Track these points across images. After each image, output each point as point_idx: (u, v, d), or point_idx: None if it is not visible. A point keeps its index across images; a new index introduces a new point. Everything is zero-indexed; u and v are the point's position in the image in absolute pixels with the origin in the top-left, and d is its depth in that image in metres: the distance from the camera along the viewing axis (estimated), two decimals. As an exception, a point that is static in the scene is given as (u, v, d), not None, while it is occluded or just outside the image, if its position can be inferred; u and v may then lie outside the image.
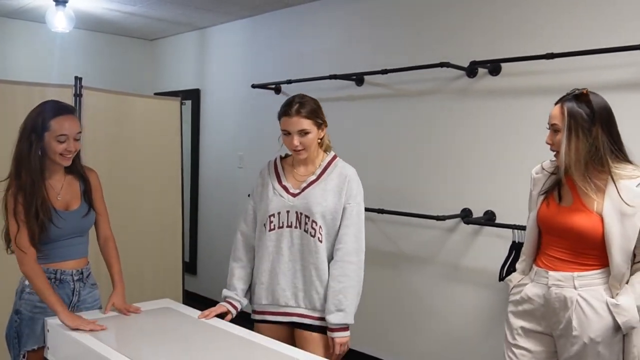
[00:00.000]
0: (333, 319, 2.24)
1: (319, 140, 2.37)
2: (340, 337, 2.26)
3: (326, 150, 2.43)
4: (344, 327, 2.26)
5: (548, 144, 2.11)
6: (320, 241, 2.28)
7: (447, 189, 3.45)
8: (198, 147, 5.40)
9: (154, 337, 2.20)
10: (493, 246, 3.22)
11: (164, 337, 2.20)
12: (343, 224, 2.29)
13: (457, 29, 3.41)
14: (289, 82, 4.23)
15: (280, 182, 2.38)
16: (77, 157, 2.38)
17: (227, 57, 5.10)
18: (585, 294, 2.00)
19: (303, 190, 2.32)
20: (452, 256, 3.44)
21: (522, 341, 2.16)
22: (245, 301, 2.42)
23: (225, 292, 2.42)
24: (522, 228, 2.95)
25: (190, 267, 5.37)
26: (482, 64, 3.21)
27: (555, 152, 2.08)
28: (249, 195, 2.59)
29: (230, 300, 2.40)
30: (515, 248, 2.97)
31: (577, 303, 2.00)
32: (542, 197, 2.19)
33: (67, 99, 3.55)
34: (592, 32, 2.86)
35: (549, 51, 2.87)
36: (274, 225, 2.33)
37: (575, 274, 2.03)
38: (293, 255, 2.32)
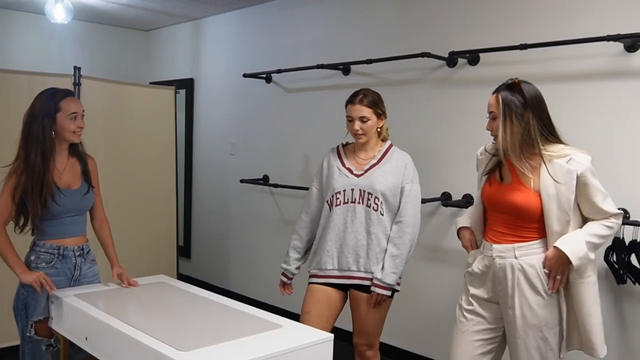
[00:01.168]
0: (386, 278, 2.60)
1: (378, 129, 2.73)
2: (382, 293, 2.61)
3: (383, 140, 2.78)
4: (389, 287, 2.62)
5: (488, 130, 2.30)
6: (382, 214, 2.65)
7: (428, 173, 3.62)
8: (192, 135, 5.56)
9: (150, 307, 2.39)
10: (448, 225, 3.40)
11: (160, 307, 2.39)
12: (403, 200, 2.66)
13: (438, 20, 3.58)
14: (279, 71, 4.40)
15: (344, 164, 2.74)
16: (80, 142, 2.57)
17: (220, 47, 5.26)
18: (523, 263, 2.21)
19: (366, 171, 2.69)
20: (433, 238, 3.63)
21: (474, 307, 2.37)
22: (297, 271, 2.88)
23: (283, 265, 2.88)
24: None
25: (184, 250, 5.55)
26: (461, 54, 3.39)
27: (494, 137, 2.27)
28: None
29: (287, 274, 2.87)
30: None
31: (518, 271, 2.21)
32: (485, 177, 2.40)
33: (67, 87, 3.71)
34: (563, 23, 3.03)
35: (523, 42, 3.04)
36: (340, 201, 2.69)
37: (516, 245, 2.23)
38: (356, 226, 2.66)
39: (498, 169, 2.35)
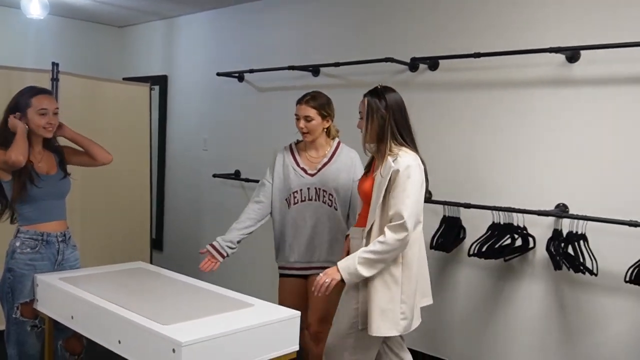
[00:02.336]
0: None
1: (325, 129, 2.96)
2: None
3: (333, 138, 3.02)
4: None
5: (358, 128, 2.60)
6: (336, 209, 2.93)
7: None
8: (165, 130, 5.71)
9: (131, 288, 2.58)
10: (429, 220, 3.66)
11: (140, 287, 2.59)
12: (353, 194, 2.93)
13: (401, 27, 3.84)
14: (252, 71, 4.60)
15: (298, 164, 2.97)
16: (53, 137, 2.74)
17: (194, 45, 5.43)
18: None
19: (319, 170, 2.94)
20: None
21: None
22: (231, 251, 2.97)
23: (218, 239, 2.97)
24: (451, 204, 3.42)
25: (156, 243, 5.70)
26: (422, 60, 3.65)
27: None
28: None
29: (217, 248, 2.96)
30: (445, 221, 3.43)
31: None
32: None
33: (45, 83, 3.84)
34: (513, 34, 3.31)
35: (478, 50, 3.32)
36: (297, 199, 2.93)
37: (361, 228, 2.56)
38: (313, 222, 2.91)
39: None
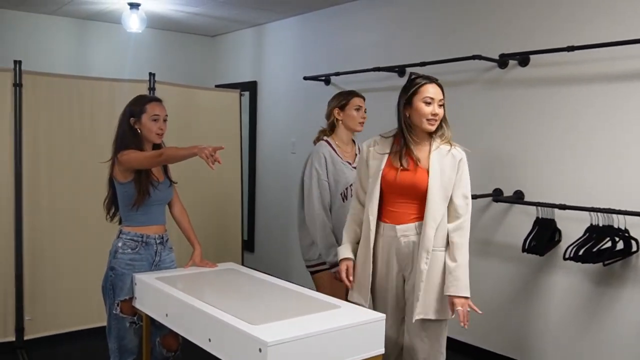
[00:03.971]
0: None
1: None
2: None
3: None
4: None
5: (433, 115, 2.47)
6: None
7: (480, 171, 3.77)
8: (255, 135, 5.87)
9: (223, 289, 2.67)
10: (521, 222, 3.53)
11: (231, 288, 2.67)
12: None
13: (488, 23, 3.72)
14: (337, 74, 4.63)
15: (341, 158, 3.11)
16: (162, 144, 2.90)
17: (281, 51, 5.55)
18: None
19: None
20: (484, 234, 3.77)
21: None
22: None
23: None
24: (545, 205, 3.27)
25: (248, 244, 5.86)
26: (512, 56, 3.52)
27: (433, 121, 2.49)
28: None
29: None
30: (538, 223, 3.29)
31: None
32: (386, 162, 2.62)
33: (144, 92, 4.07)
34: (612, 25, 3.13)
35: (571, 44, 3.16)
36: (351, 193, 2.99)
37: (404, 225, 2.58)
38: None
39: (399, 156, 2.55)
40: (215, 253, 4.65)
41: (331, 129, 3.19)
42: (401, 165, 2.51)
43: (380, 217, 2.58)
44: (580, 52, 3.15)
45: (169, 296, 2.50)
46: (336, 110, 3.16)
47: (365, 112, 3.19)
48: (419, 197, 2.48)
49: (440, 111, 2.48)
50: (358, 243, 2.65)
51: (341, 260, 2.65)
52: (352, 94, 3.18)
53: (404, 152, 2.53)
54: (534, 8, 3.49)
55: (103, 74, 4.46)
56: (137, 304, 2.76)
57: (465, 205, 2.49)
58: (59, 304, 3.91)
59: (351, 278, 2.63)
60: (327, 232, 3.01)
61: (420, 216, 2.48)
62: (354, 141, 3.24)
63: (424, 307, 2.44)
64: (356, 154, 3.14)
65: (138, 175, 2.74)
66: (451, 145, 2.52)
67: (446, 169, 2.48)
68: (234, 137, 4.87)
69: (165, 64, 5.95)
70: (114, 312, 2.80)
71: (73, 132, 3.91)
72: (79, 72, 5.16)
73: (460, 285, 2.41)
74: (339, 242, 2.88)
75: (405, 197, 2.52)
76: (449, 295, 2.43)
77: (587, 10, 3.24)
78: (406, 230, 2.51)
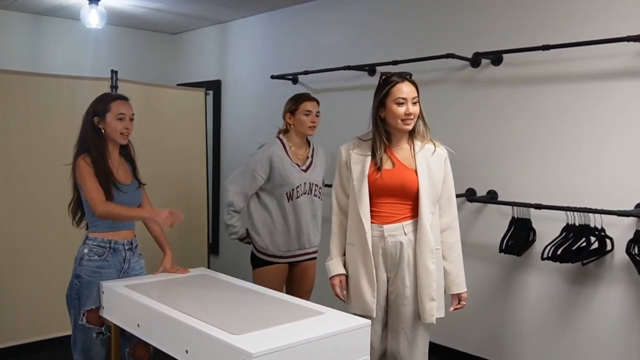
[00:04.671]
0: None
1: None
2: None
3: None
4: None
5: (408, 114, 2.42)
6: (321, 200, 3.29)
7: (453, 171, 3.73)
8: (220, 135, 5.72)
9: (198, 296, 2.55)
10: (495, 222, 3.52)
11: (206, 295, 2.55)
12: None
13: (461, 22, 3.70)
14: (306, 72, 4.54)
15: (292, 160, 3.17)
16: (129, 142, 2.75)
17: (247, 49, 5.42)
18: None
19: (309, 167, 3.23)
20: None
21: None
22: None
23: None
24: (521, 205, 3.26)
25: (213, 247, 5.71)
26: (485, 55, 3.50)
27: (409, 121, 2.45)
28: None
29: None
30: (515, 223, 3.27)
31: None
32: (368, 165, 2.56)
33: (105, 90, 3.86)
34: (583, 24, 3.14)
35: (544, 43, 3.15)
36: (299, 193, 3.17)
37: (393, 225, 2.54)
38: (307, 213, 3.20)
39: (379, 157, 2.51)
40: (180, 256, 4.50)
41: (286, 130, 3.26)
42: (385, 166, 2.46)
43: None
44: (555, 51, 3.14)
45: (141, 305, 2.37)
46: (287, 115, 3.24)
47: (317, 115, 3.22)
48: (408, 197, 2.45)
49: (414, 109, 2.43)
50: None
51: (333, 276, 2.58)
52: (302, 98, 3.22)
53: (386, 153, 2.48)
54: (507, 6, 3.48)
55: (61, 72, 4.24)
56: (105, 314, 2.62)
57: (452, 204, 2.52)
58: (19, 312, 3.69)
59: (345, 292, 2.57)
60: (229, 210, 3.21)
61: (408, 216, 2.46)
62: (309, 142, 3.32)
63: (439, 307, 2.47)
64: (308, 157, 3.24)
65: (99, 178, 2.58)
66: (434, 145, 2.50)
67: (434, 167, 2.46)
68: (199, 137, 4.74)
69: (125, 62, 5.73)
70: (80, 322, 2.64)
71: (31, 132, 3.70)
72: (35, 70, 4.91)
73: (461, 283, 2.55)
74: (277, 234, 3.16)
75: (393, 197, 2.47)
76: (453, 294, 2.54)
77: (561, 9, 3.24)
78: (393, 230, 2.46)
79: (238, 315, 2.23)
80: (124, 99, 2.73)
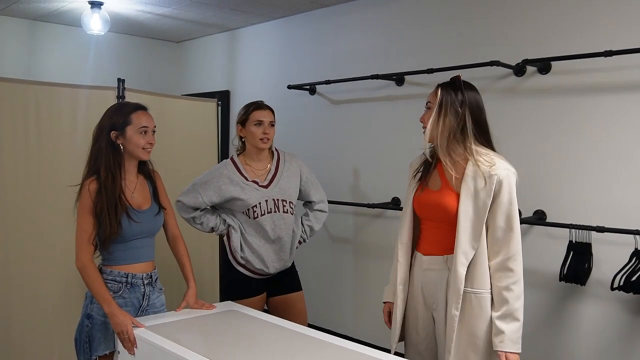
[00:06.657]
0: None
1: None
2: None
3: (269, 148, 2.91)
4: None
5: (421, 122, 2.19)
6: (292, 214, 2.86)
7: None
8: (228, 150, 5.38)
9: (228, 338, 2.20)
10: (543, 246, 3.20)
11: (238, 338, 2.20)
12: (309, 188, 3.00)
13: (505, 28, 3.40)
14: (328, 82, 4.22)
15: (246, 178, 2.79)
16: (149, 160, 2.40)
17: (259, 58, 5.09)
18: None
19: (271, 181, 2.82)
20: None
21: None
22: None
23: None
24: (580, 227, 2.94)
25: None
26: (532, 62, 3.20)
27: (424, 129, 2.16)
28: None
29: None
30: (573, 248, 2.95)
31: None
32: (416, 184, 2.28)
33: (111, 100, 3.54)
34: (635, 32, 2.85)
35: (592, 50, 2.86)
36: (257, 213, 2.77)
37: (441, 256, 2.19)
38: (274, 232, 2.80)
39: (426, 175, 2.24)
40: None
41: (242, 146, 2.91)
42: (429, 184, 2.19)
43: (416, 246, 2.25)
44: (616, 57, 2.85)
45: (165, 351, 2.01)
46: (238, 127, 2.88)
47: (272, 125, 2.84)
48: (447, 221, 2.10)
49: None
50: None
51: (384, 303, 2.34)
52: (252, 106, 2.85)
53: (435, 169, 2.20)
54: (552, 10, 3.18)
55: (61, 81, 3.88)
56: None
57: (506, 237, 2.04)
58: (10, 352, 3.28)
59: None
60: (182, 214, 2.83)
61: (451, 247, 2.08)
62: (274, 152, 2.93)
63: None
64: (271, 169, 2.86)
65: (109, 204, 2.22)
66: (493, 164, 2.08)
67: (480, 192, 2.05)
68: (211, 150, 4.39)
69: (126, 71, 5.38)
70: (91, 370, 2.28)
71: (28, 146, 3.32)
72: (33, 78, 4.56)
73: (506, 339, 1.99)
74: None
75: (433, 220, 2.17)
76: (497, 351, 2.02)
77: (621, 13, 2.95)
78: (432, 263, 2.15)
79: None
80: (143, 108, 2.37)
